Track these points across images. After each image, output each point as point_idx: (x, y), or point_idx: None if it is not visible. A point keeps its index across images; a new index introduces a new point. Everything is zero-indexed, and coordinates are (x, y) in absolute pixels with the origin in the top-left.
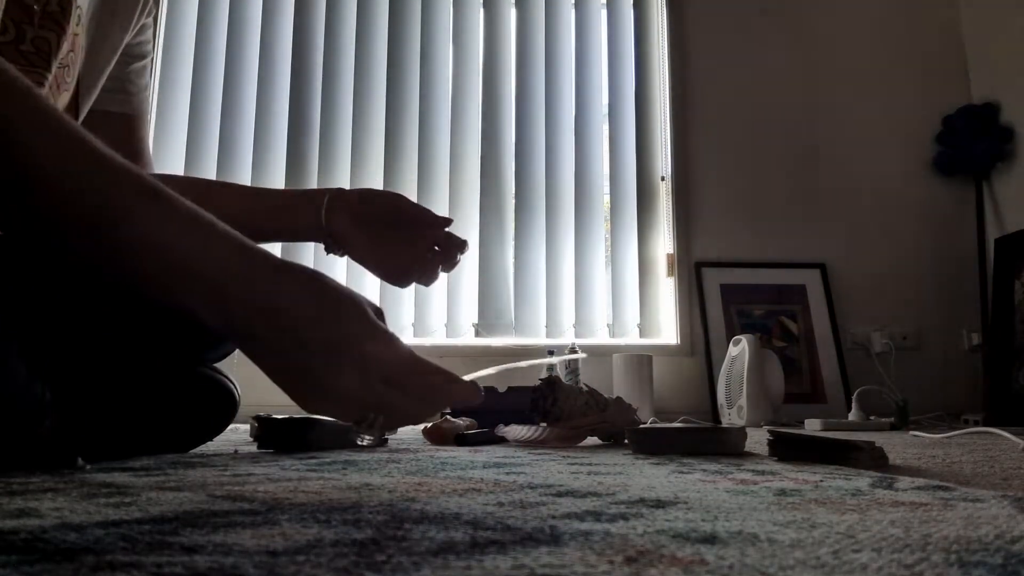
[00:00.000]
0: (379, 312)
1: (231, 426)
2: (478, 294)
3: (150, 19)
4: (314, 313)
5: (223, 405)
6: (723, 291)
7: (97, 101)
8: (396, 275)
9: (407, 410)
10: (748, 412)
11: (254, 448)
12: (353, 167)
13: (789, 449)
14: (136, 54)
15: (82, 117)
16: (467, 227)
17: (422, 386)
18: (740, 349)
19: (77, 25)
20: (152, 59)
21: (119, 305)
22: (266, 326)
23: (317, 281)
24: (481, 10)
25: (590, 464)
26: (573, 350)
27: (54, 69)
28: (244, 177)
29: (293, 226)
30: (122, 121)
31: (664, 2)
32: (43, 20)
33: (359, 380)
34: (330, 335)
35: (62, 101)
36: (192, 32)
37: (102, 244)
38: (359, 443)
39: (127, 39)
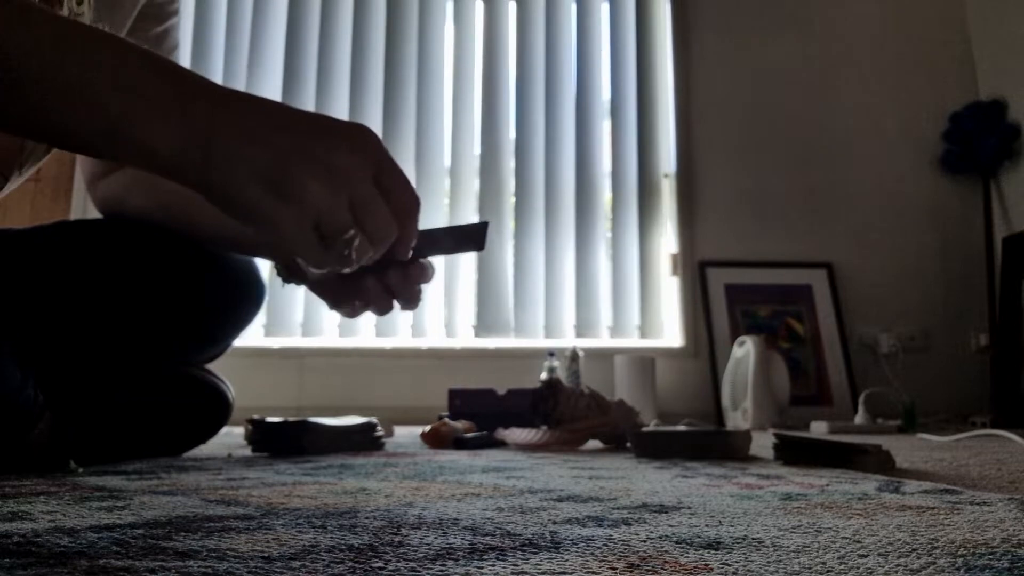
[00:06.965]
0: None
1: (225, 429)
2: (476, 294)
3: None
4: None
5: (216, 407)
6: (728, 291)
7: None
8: (337, 302)
9: (387, 224)
10: (753, 415)
11: (248, 452)
12: None
13: (794, 452)
14: (153, 16)
15: None
16: None
17: (403, 199)
18: (745, 350)
19: (79, 5)
20: (174, 27)
21: (109, 306)
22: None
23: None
24: (480, 3)
25: (592, 468)
26: (575, 353)
27: None
28: None
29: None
30: None
31: None
32: None
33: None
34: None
35: None
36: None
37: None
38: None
39: (140, 4)
